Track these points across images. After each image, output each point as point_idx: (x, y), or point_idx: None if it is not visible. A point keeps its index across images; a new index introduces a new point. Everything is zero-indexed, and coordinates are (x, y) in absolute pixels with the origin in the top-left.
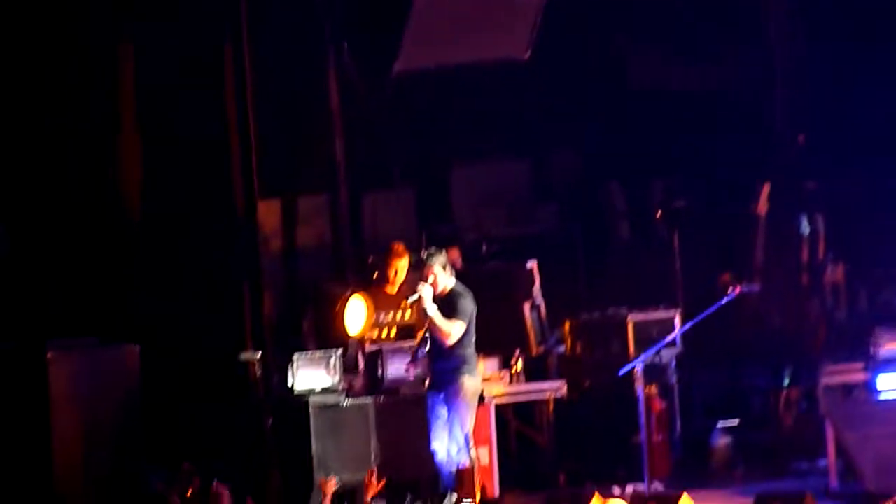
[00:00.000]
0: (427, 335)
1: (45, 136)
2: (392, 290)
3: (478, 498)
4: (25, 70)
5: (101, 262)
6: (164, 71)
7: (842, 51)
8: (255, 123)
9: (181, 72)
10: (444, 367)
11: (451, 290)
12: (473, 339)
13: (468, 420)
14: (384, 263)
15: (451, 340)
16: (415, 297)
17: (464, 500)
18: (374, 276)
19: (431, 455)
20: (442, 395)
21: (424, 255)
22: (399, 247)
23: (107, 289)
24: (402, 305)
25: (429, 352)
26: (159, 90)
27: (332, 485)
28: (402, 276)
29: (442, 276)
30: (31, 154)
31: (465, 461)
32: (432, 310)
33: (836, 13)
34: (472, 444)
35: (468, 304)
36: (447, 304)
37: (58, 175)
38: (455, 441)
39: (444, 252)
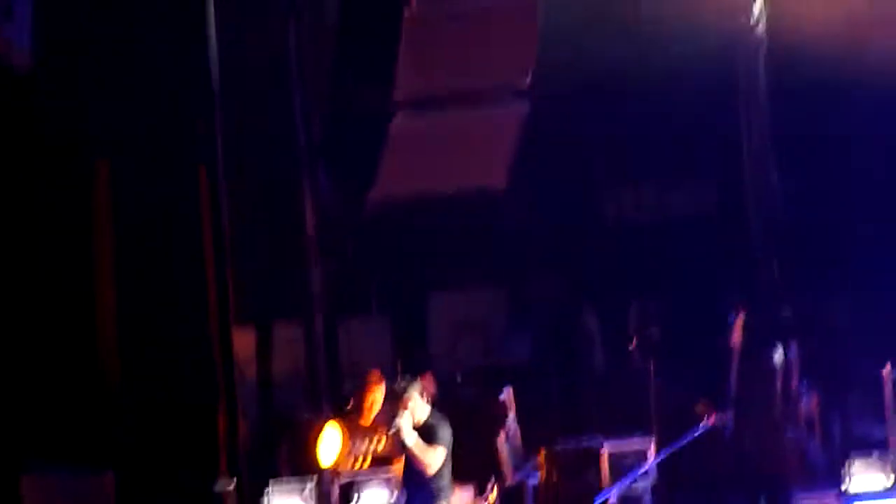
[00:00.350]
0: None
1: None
2: (367, 419)
3: None
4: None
5: (78, 388)
6: (140, 193)
7: (816, 179)
8: (230, 250)
9: (156, 195)
10: (418, 499)
11: (428, 420)
12: (449, 469)
13: None
14: (360, 393)
15: (433, 470)
16: (395, 428)
17: None
18: (349, 406)
19: None
20: None
21: (402, 384)
22: (374, 376)
23: (83, 417)
24: (379, 437)
25: (404, 481)
26: (134, 213)
27: None
28: (377, 405)
29: (420, 405)
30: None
31: None
32: (412, 440)
33: (809, 141)
34: None
35: (446, 433)
36: (425, 434)
37: (31, 301)
38: None
39: (418, 381)
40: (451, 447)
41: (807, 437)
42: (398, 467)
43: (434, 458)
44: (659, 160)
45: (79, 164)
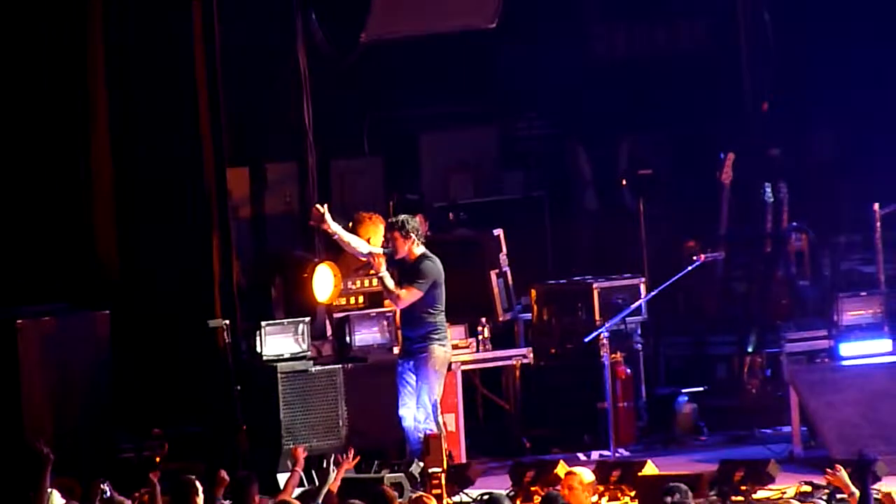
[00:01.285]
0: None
1: (12, 93)
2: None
3: (445, 465)
4: None
5: (72, 229)
6: (133, 31)
7: (806, 17)
8: (223, 90)
9: (149, 33)
10: (413, 335)
11: (419, 256)
12: (443, 306)
13: (436, 387)
14: (354, 231)
15: (402, 304)
16: (366, 263)
17: (431, 467)
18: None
19: (399, 422)
20: (411, 363)
21: (389, 221)
22: (367, 215)
23: (77, 256)
24: (369, 271)
25: (399, 319)
26: (127, 52)
27: (301, 453)
28: (372, 242)
29: (403, 244)
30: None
31: (432, 428)
32: (383, 273)
33: None
34: (439, 411)
35: (432, 270)
36: (412, 270)
37: (25, 140)
38: (423, 408)
39: (412, 218)
40: (442, 285)
41: (797, 275)
42: (391, 304)
43: (404, 294)
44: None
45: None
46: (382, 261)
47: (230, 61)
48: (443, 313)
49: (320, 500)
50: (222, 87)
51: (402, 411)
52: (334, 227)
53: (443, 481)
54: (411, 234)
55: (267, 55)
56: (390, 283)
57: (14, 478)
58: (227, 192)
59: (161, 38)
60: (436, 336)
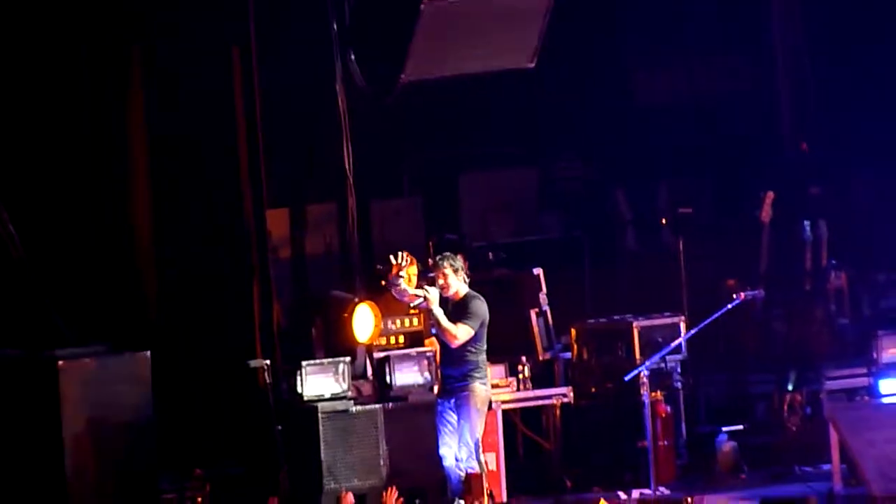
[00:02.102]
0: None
1: (56, 138)
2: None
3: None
4: (33, 71)
5: (113, 271)
6: (173, 76)
7: (845, 56)
8: (263, 132)
9: (190, 78)
10: (454, 374)
11: (465, 295)
12: (485, 345)
13: (478, 426)
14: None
15: (458, 342)
16: (419, 300)
17: None
18: (382, 284)
19: (439, 461)
20: (452, 401)
21: (437, 258)
22: (406, 255)
23: (118, 297)
24: (409, 311)
25: (440, 358)
26: (168, 97)
27: (349, 500)
28: (413, 283)
29: (454, 280)
30: (43, 160)
31: (474, 467)
32: (438, 312)
33: (838, 19)
34: (481, 450)
35: (481, 308)
36: (460, 308)
37: (69, 182)
38: (465, 447)
39: (457, 257)
40: (486, 325)
41: (836, 313)
42: (431, 344)
43: (458, 332)
44: (690, 42)
45: (114, 47)
46: (436, 298)
47: (269, 103)
48: (485, 352)
49: None
50: (262, 129)
51: (442, 450)
52: (437, 309)
53: None
54: (460, 272)
55: (306, 97)
56: (445, 320)
57: None
58: (266, 234)
59: (200, 82)
60: (477, 375)
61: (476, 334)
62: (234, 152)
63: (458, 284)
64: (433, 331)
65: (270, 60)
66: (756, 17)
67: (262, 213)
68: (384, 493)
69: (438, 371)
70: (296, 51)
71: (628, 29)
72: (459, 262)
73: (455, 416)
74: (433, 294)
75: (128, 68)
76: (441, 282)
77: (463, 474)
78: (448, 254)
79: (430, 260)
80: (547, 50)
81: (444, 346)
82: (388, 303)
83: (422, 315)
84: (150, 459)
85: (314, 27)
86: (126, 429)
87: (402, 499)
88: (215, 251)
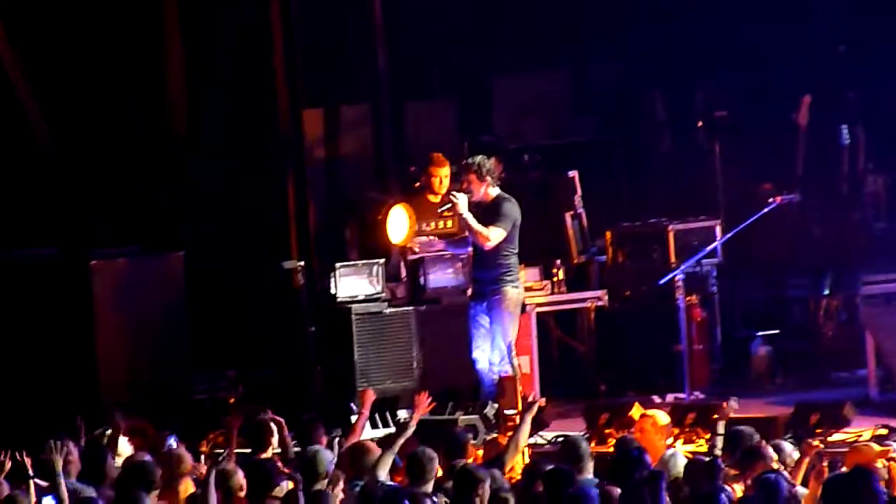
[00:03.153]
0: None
1: (89, 35)
2: (435, 198)
3: (520, 406)
4: None
5: (147, 172)
6: None
7: None
8: (298, 32)
9: None
10: (486, 277)
11: (496, 197)
12: (517, 248)
13: (511, 329)
14: (426, 172)
15: (490, 244)
16: (447, 205)
17: (506, 408)
18: (417, 185)
19: (472, 364)
20: (484, 305)
21: (469, 159)
22: (440, 156)
23: (151, 197)
24: (441, 213)
25: (472, 261)
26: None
27: (370, 396)
28: (445, 184)
29: (479, 184)
30: (78, 58)
31: (507, 370)
32: (467, 215)
33: None
34: (514, 353)
35: (512, 211)
36: (491, 211)
37: (105, 80)
38: (497, 350)
39: (488, 159)
40: (517, 227)
41: (873, 217)
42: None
43: (491, 234)
44: None
45: None
46: (464, 202)
47: (304, 3)
48: (516, 255)
49: (397, 448)
50: (297, 28)
51: (475, 354)
52: (466, 213)
53: (517, 422)
54: (486, 176)
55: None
56: (476, 223)
57: (89, 421)
58: (302, 134)
59: None
60: (509, 277)
61: (508, 236)
62: (269, 51)
63: (486, 188)
64: (467, 236)
65: None
66: None
67: (297, 113)
68: (416, 396)
69: (471, 274)
70: None
71: None
72: (489, 164)
73: (488, 320)
74: (461, 198)
75: None
76: (465, 185)
77: (496, 377)
78: (476, 159)
79: (463, 162)
80: None
81: (477, 248)
82: (423, 205)
83: (455, 216)
84: (182, 360)
85: None
86: (159, 329)
87: (434, 402)
88: (251, 150)
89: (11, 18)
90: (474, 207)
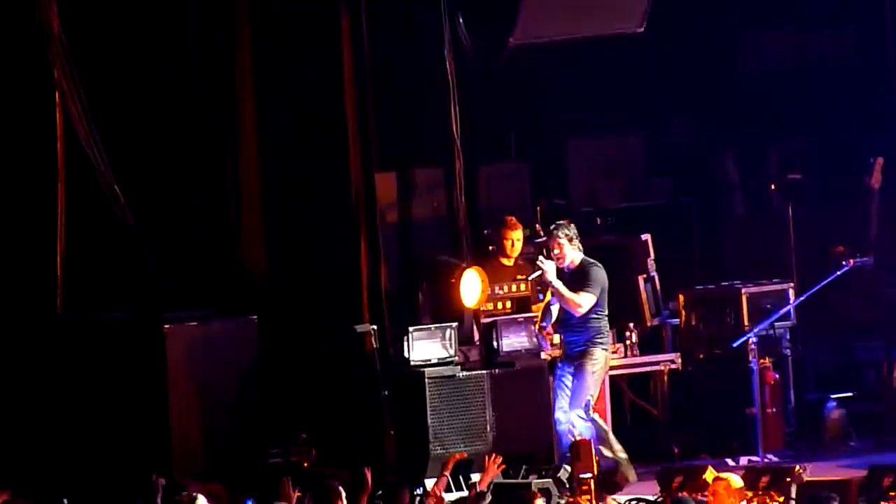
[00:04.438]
0: (551, 307)
1: (162, 100)
2: (507, 262)
3: (595, 470)
4: (141, 31)
5: (220, 235)
6: (281, 40)
7: None
8: (371, 95)
9: (298, 40)
10: (577, 339)
11: (582, 262)
12: (606, 311)
13: (592, 388)
14: (499, 236)
15: (582, 310)
16: (536, 273)
17: (581, 472)
18: (490, 249)
19: (553, 425)
20: (572, 367)
21: (550, 227)
22: (513, 219)
23: (226, 261)
24: (519, 278)
25: (561, 324)
26: (276, 62)
27: (453, 460)
28: (517, 247)
29: (569, 249)
30: (149, 122)
31: (583, 433)
32: (557, 283)
33: None
34: (591, 410)
35: (600, 275)
36: (579, 276)
37: (175, 144)
38: (575, 410)
39: (570, 225)
40: (606, 290)
41: None
42: (538, 309)
43: (582, 301)
44: (798, 6)
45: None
46: (552, 269)
47: (379, 67)
48: (607, 318)
49: None
50: (370, 93)
51: (557, 414)
52: (556, 281)
53: (592, 487)
54: (574, 240)
55: (415, 60)
56: (567, 290)
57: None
58: (375, 197)
59: (309, 44)
60: (599, 340)
61: (598, 301)
62: (342, 115)
63: (573, 253)
64: (544, 297)
65: (379, 23)
66: None
67: (370, 176)
68: (487, 459)
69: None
70: (404, 13)
71: None
72: (573, 230)
73: (572, 380)
74: (549, 266)
75: (235, 24)
76: (556, 251)
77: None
78: (561, 223)
79: (537, 225)
80: (655, 13)
81: (566, 312)
82: (495, 268)
83: (529, 281)
84: (257, 424)
85: None
86: (233, 393)
87: (503, 465)
88: (324, 214)
89: (86, 83)
90: (560, 273)
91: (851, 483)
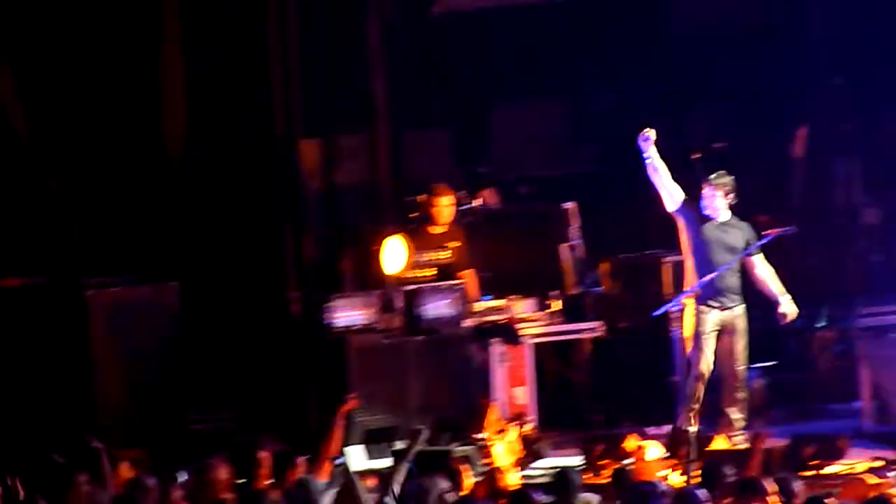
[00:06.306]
0: None
1: (87, 62)
2: (438, 229)
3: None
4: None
5: (143, 201)
6: (206, 8)
7: None
8: (296, 63)
9: (224, 8)
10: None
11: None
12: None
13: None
14: (428, 203)
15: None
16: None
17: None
18: (414, 216)
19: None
20: None
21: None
22: (441, 186)
23: (147, 227)
24: (450, 245)
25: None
26: (203, 28)
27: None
28: (446, 214)
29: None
30: (72, 83)
31: None
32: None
33: None
34: None
35: None
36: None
37: (100, 108)
38: None
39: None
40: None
41: (869, 250)
42: (464, 276)
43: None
44: None
45: None
46: None
47: (303, 34)
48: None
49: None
50: (294, 59)
51: None
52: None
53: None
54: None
55: (339, 27)
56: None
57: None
58: (299, 164)
59: (235, 13)
60: None
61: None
62: (266, 82)
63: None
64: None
65: None
66: None
67: (294, 144)
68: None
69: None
70: None
71: None
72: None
73: None
74: None
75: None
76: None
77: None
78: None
79: (462, 192)
80: None
81: None
82: (421, 236)
83: (454, 247)
84: (178, 390)
85: None
86: (154, 359)
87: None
88: (247, 182)
89: (6, 47)
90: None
91: (773, 452)
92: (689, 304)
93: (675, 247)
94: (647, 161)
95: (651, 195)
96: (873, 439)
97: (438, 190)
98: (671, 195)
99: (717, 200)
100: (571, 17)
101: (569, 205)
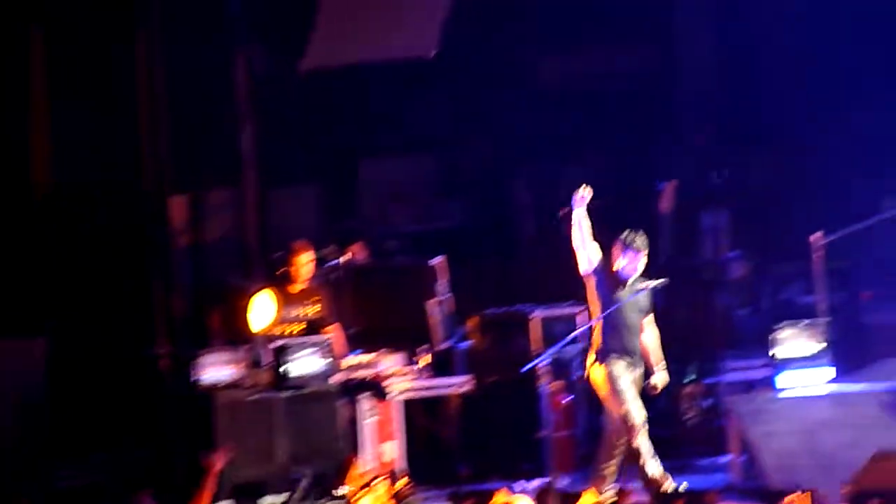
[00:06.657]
0: None
1: None
2: (295, 287)
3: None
4: None
5: (9, 257)
6: (74, 63)
7: (748, 42)
8: (165, 118)
9: (92, 62)
10: None
11: None
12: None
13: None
14: (288, 261)
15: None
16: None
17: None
18: (279, 272)
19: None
20: None
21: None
22: (300, 244)
23: (14, 281)
24: (309, 303)
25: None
26: (71, 83)
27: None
28: (304, 272)
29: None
30: None
31: None
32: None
33: (743, 7)
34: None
35: None
36: None
37: None
38: None
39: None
40: None
41: (736, 304)
42: (330, 331)
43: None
44: (592, 26)
45: (14, 28)
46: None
47: (172, 89)
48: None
49: None
50: (164, 113)
51: None
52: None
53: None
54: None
55: (208, 83)
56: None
57: None
58: (168, 220)
59: (102, 67)
60: None
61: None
62: (135, 137)
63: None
64: None
65: (173, 46)
66: (659, 4)
67: (163, 199)
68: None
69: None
70: (198, 35)
71: (527, 16)
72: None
73: None
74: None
75: (28, 50)
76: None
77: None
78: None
79: (331, 247)
80: (448, 36)
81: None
82: (286, 292)
83: (321, 303)
84: (42, 445)
85: (217, 14)
86: (18, 414)
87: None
88: (116, 237)
89: None
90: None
91: None
92: (596, 365)
93: (544, 301)
94: (573, 219)
95: (520, 249)
96: (741, 493)
97: (296, 248)
98: (589, 256)
99: (640, 262)
100: (439, 72)
101: (437, 260)
